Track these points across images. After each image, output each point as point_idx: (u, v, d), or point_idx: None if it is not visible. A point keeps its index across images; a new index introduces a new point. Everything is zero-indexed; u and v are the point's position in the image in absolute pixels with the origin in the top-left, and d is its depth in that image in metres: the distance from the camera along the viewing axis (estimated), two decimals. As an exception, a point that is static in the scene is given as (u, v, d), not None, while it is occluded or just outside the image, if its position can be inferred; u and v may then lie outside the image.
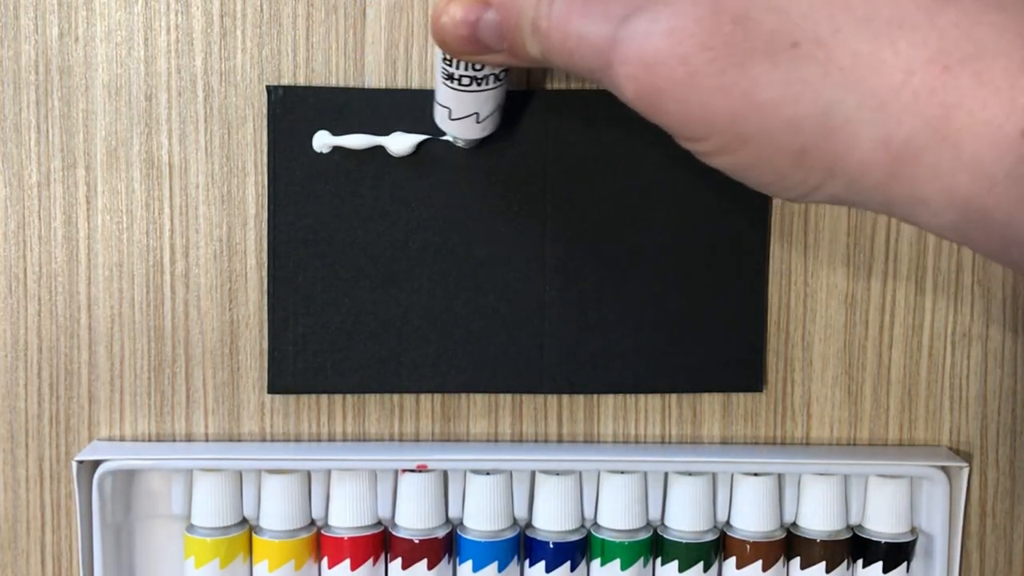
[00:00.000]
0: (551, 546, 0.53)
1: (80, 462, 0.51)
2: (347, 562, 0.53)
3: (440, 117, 0.49)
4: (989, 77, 0.33)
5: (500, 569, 0.53)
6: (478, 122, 0.49)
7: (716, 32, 0.35)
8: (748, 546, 0.53)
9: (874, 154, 0.35)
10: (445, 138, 0.51)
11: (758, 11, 0.35)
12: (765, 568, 0.53)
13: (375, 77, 0.52)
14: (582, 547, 0.54)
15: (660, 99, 0.37)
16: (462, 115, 0.48)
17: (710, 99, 0.36)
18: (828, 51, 0.34)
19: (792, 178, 0.37)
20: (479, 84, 0.47)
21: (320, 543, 0.54)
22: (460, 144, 0.51)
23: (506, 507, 0.54)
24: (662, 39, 0.36)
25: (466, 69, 0.46)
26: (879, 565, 0.53)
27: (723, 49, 0.35)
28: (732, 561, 0.54)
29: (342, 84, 0.52)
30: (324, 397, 0.54)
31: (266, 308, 0.53)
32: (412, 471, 0.53)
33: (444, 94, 0.48)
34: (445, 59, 0.46)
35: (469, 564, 0.53)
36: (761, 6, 0.35)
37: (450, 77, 0.46)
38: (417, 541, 0.53)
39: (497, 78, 0.47)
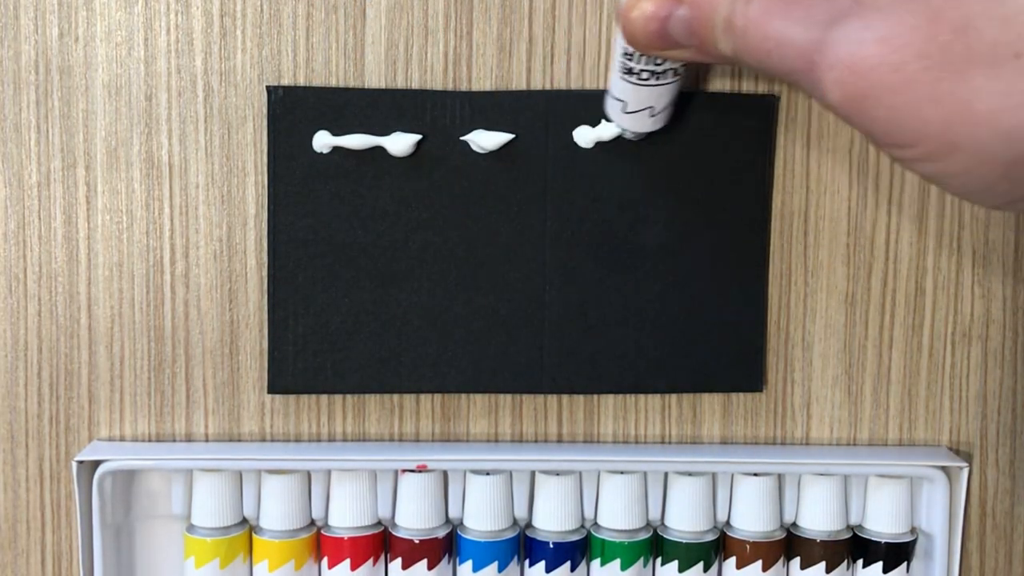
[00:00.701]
0: (551, 546, 0.53)
1: (80, 462, 0.51)
2: (347, 562, 0.53)
3: (613, 111, 0.49)
4: None
5: (500, 569, 0.53)
6: (652, 116, 0.49)
7: (933, 40, 0.35)
8: (748, 546, 0.53)
9: None
10: (612, 131, 0.51)
11: (980, 21, 0.34)
12: (765, 568, 0.53)
13: (375, 77, 0.52)
14: (582, 547, 0.54)
15: (868, 105, 0.37)
16: (637, 108, 0.48)
17: (923, 107, 0.35)
18: None
19: (998, 188, 0.37)
20: (658, 78, 0.47)
21: (320, 543, 0.54)
22: (629, 136, 0.51)
23: (506, 507, 0.54)
24: (875, 46, 0.36)
25: (647, 63, 0.46)
26: (879, 565, 0.53)
27: (940, 57, 0.35)
28: (732, 561, 0.54)
29: (342, 84, 0.52)
30: (324, 397, 0.54)
31: (266, 308, 0.53)
32: (412, 471, 0.53)
33: (620, 88, 0.48)
34: (627, 54, 0.45)
35: (469, 564, 0.53)
36: (984, 16, 0.34)
37: (629, 71, 0.46)
38: (417, 541, 0.53)
39: (676, 72, 0.47)
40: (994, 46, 0.34)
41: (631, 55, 0.45)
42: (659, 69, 0.46)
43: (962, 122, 0.35)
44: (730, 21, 0.40)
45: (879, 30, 0.36)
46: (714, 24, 0.40)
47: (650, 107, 0.49)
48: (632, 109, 0.49)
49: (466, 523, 0.54)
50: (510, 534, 0.54)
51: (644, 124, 0.50)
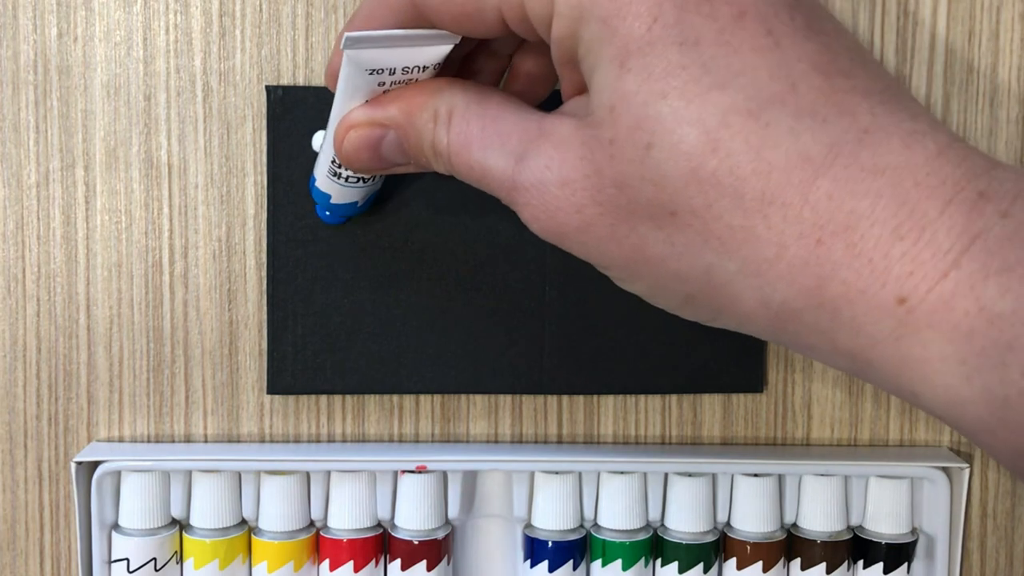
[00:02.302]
0: (551, 545, 0.53)
1: (79, 463, 0.51)
2: (348, 564, 0.53)
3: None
4: (862, 248, 0.34)
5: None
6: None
7: (601, 191, 0.36)
8: (749, 547, 0.53)
9: (757, 309, 0.36)
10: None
11: (635, 180, 0.36)
12: (766, 569, 0.53)
13: (375, 77, 0.52)
14: (581, 547, 0.54)
15: (562, 240, 0.39)
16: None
17: (605, 245, 0.38)
18: (704, 223, 0.35)
19: (686, 311, 0.39)
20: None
21: (319, 544, 0.54)
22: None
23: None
24: (557, 188, 0.37)
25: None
26: (880, 566, 0.53)
27: (610, 206, 0.37)
28: (733, 562, 0.53)
29: (341, 84, 0.52)
30: (324, 398, 0.54)
31: (266, 308, 0.53)
32: (412, 472, 0.53)
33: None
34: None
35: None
36: (636, 177, 0.35)
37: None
38: (417, 542, 0.53)
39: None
40: (650, 203, 0.36)
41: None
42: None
43: (639, 262, 0.37)
44: (435, 146, 0.41)
45: (558, 171, 0.37)
46: (422, 147, 0.41)
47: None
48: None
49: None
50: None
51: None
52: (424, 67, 0.41)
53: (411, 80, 0.41)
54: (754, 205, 0.34)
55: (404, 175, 0.49)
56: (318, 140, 0.51)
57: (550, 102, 0.43)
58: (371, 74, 0.40)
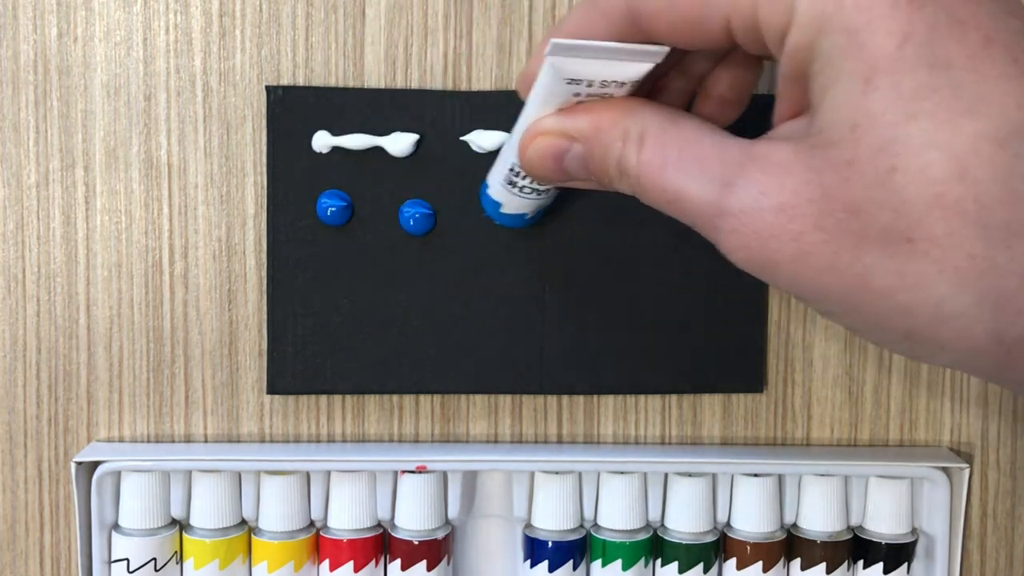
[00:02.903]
0: (550, 545, 0.53)
1: (78, 463, 0.51)
2: (348, 564, 0.53)
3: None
4: None
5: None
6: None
7: (828, 216, 0.35)
8: (749, 547, 0.53)
9: (988, 346, 0.34)
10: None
11: (871, 205, 0.34)
12: (766, 569, 0.53)
13: (375, 77, 0.52)
14: (581, 547, 0.54)
15: (770, 269, 0.37)
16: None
17: (823, 276, 0.36)
18: (943, 251, 0.33)
19: (901, 348, 0.37)
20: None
21: (319, 544, 0.54)
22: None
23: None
24: (773, 215, 0.36)
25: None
26: (880, 566, 0.53)
27: (836, 231, 0.35)
28: (732, 562, 0.54)
29: (341, 84, 0.52)
30: (324, 398, 0.54)
31: (266, 308, 0.53)
32: (411, 472, 0.53)
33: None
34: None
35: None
36: (874, 201, 0.34)
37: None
38: (416, 542, 0.53)
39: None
40: (886, 229, 0.34)
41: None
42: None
43: (860, 293, 0.35)
44: (623, 166, 0.39)
45: (775, 196, 0.36)
46: (607, 165, 0.40)
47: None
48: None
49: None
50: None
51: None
52: (622, 83, 0.39)
53: (606, 95, 0.40)
54: (998, 235, 0.33)
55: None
56: (319, 140, 0.51)
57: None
58: (569, 83, 0.39)
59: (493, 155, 0.51)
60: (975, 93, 0.33)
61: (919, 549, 0.54)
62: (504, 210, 0.49)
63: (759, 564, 0.53)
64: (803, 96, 0.37)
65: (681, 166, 0.38)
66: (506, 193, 0.47)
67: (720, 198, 0.37)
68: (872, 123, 0.34)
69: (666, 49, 0.39)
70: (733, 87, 0.44)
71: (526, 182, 0.46)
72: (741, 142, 0.38)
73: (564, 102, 0.41)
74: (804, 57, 0.36)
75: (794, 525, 0.54)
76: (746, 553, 0.53)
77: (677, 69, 0.44)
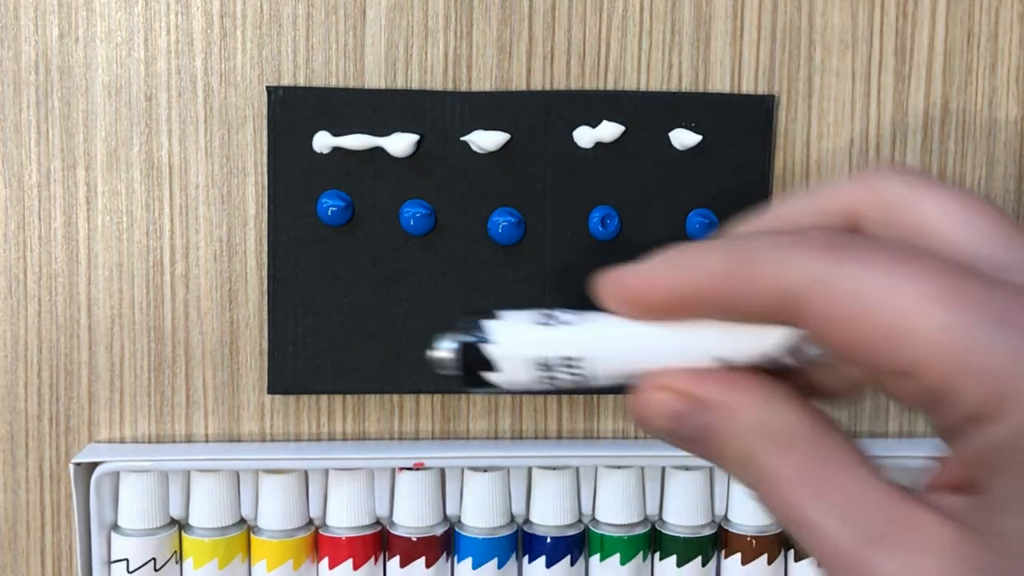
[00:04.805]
0: (548, 540, 0.53)
1: (77, 464, 0.51)
2: (347, 562, 0.53)
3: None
4: None
5: (499, 566, 0.54)
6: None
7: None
8: (754, 541, 0.53)
9: None
10: (612, 131, 0.51)
11: None
12: (770, 562, 0.53)
13: (375, 77, 0.52)
14: (580, 542, 0.54)
15: None
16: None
17: None
18: None
19: None
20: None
21: (318, 543, 0.54)
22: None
23: (504, 504, 0.54)
24: None
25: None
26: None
27: None
28: (737, 558, 0.54)
29: (342, 85, 0.52)
30: (324, 397, 0.54)
31: (266, 308, 0.53)
32: (409, 469, 0.53)
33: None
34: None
35: (468, 561, 0.54)
36: None
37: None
38: (415, 539, 0.53)
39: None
40: None
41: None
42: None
43: None
44: (753, 462, 0.33)
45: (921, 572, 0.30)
46: (728, 450, 0.33)
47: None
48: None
49: (464, 520, 0.54)
50: (508, 531, 0.54)
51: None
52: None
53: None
54: None
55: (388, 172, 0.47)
56: (319, 140, 0.51)
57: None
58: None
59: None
60: None
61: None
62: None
63: (764, 557, 0.53)
64: (972, 476, 0.31)
65: (821, 493, 0.32)
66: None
67: (863, 550, 0.31)
68: None
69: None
70: (844, 383, 0.36)
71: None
72: (896, 491, 0.31)
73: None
74: (997, 455, 0.30)
75: (791, 520, 0.55)
76: (751, 547, 0.53)
77: None
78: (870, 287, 0.30)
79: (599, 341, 0.34)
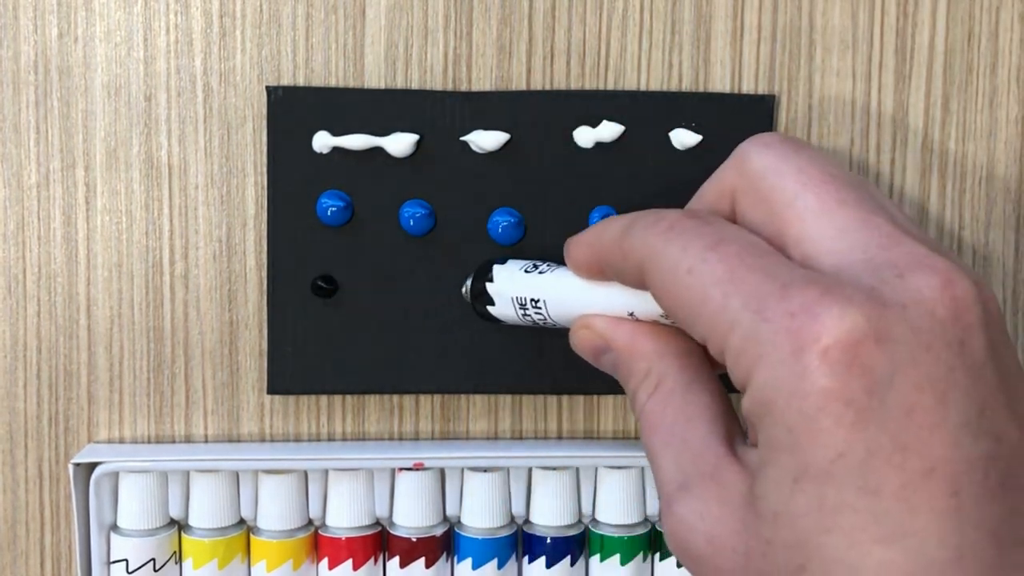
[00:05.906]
0: (548, 541, 0.53)
1: (76, 464, 0.51)
2: (346, 562, 0.53)
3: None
4: None
5: (499, 566, 0.54)
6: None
7: (744, 571, 0.36)
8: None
9: None
10: (612, 131, 0.52)
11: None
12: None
13: (375, 77, 0.52)
14: (580, 542, 0.54)
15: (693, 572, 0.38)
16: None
17: None
18: None
19: None
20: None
21: (318, 543, 0.54)
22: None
23: (504, 504, 0.54)
24: (704, 543, 0.37)
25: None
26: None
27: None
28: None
29: (342, 84, 0.52)
30: (324, 397, 0.54)
31: (266, 308, 0.53)
32: (409, 470, 0.53)
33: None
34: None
35: (468, 562, 0.54)
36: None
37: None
38: (415, 539, 0.53)
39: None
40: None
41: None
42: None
43: None
44: (634, 396, 0.41)
45: (710, 527, 0.37)
46: (626, 384, 0.42)
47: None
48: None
49: (464, 521, 0.54)
50: (508, 531, 0.54)
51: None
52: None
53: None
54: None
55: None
56: (319, 140, 0.51)
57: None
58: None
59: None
60: (897, 523, 0.33)
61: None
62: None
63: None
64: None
65: (667, 438, 0.39)
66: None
67: (673, 493, 0.38)
68: (792, 522, 0.34)
69: None
70: None
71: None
72: (724, 448, 0.38)
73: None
74: (754, 422, 0.36)
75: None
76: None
77: None
78: (683, 267, 0.37)
79: (553, 289, 0.45)
